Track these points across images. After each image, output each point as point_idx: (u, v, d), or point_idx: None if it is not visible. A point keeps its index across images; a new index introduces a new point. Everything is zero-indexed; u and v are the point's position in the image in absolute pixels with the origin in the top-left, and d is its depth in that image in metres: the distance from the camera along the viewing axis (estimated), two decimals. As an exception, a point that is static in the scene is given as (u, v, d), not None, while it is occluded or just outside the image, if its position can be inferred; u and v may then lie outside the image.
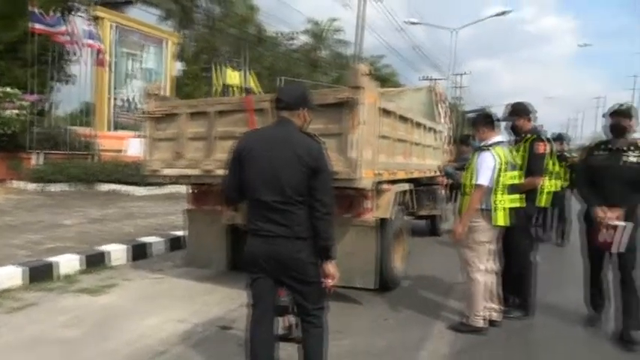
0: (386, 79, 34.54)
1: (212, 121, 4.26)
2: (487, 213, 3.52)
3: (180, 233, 6.30)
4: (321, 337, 2.41)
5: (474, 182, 3.55)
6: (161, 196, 11.76)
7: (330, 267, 2.33)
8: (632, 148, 3.44)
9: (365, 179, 3.66)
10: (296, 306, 2.43)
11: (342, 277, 4.20)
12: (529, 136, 3.92)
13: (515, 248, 3.88)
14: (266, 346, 2.37)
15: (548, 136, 4.54)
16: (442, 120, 7.25)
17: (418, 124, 5.51)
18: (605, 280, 3.78)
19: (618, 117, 3.50)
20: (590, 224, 3.60)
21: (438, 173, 6.91)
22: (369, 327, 3.82)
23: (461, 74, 46.70)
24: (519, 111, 4.06)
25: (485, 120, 3.76)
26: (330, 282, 2.35)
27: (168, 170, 4.55)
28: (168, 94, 11.38)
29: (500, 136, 3.81)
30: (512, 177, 3.58)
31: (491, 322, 3.71)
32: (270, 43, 25.16)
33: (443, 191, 7.51)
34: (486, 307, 3.67)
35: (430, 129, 6.24)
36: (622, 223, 3.31)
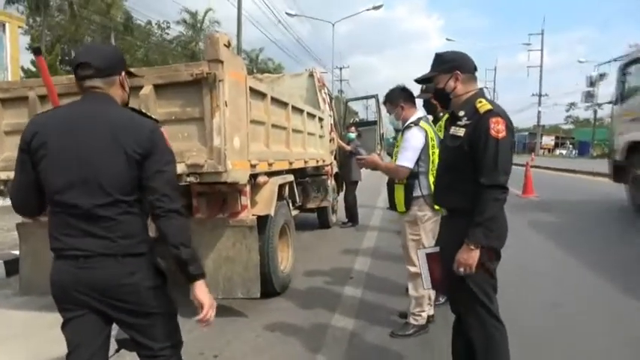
0: (270, 73, 34.12)
1: (35, 108, 3.30)
2: (430, 199, 2.99)
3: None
4: (173, 384, 1.78)
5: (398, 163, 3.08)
6: (5, 208, 9.80)
7: (199, 292, 1.63)
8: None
9: (235, 171, 3.06)
10: (135, 346, 1.77)
11: (222, 287, 3.68)
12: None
13: None
14: None
15: None
16: (325, 107, 6.90)
17: (298, 110, 5.04)
18: None
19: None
20: None
21: (325, 162, 6.57)
22: (252, 344, 3.26)
23: (341, 68, 48.68)
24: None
25: (404, 94, 3.27)
26: (203, 316, 1.64)
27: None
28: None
29: (421, 111, 3.41)
30: None
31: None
32: (142, 33, 23.08)
33: (330, 181, 7.21)
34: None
35: (313, 116, 5.82)
36: None
